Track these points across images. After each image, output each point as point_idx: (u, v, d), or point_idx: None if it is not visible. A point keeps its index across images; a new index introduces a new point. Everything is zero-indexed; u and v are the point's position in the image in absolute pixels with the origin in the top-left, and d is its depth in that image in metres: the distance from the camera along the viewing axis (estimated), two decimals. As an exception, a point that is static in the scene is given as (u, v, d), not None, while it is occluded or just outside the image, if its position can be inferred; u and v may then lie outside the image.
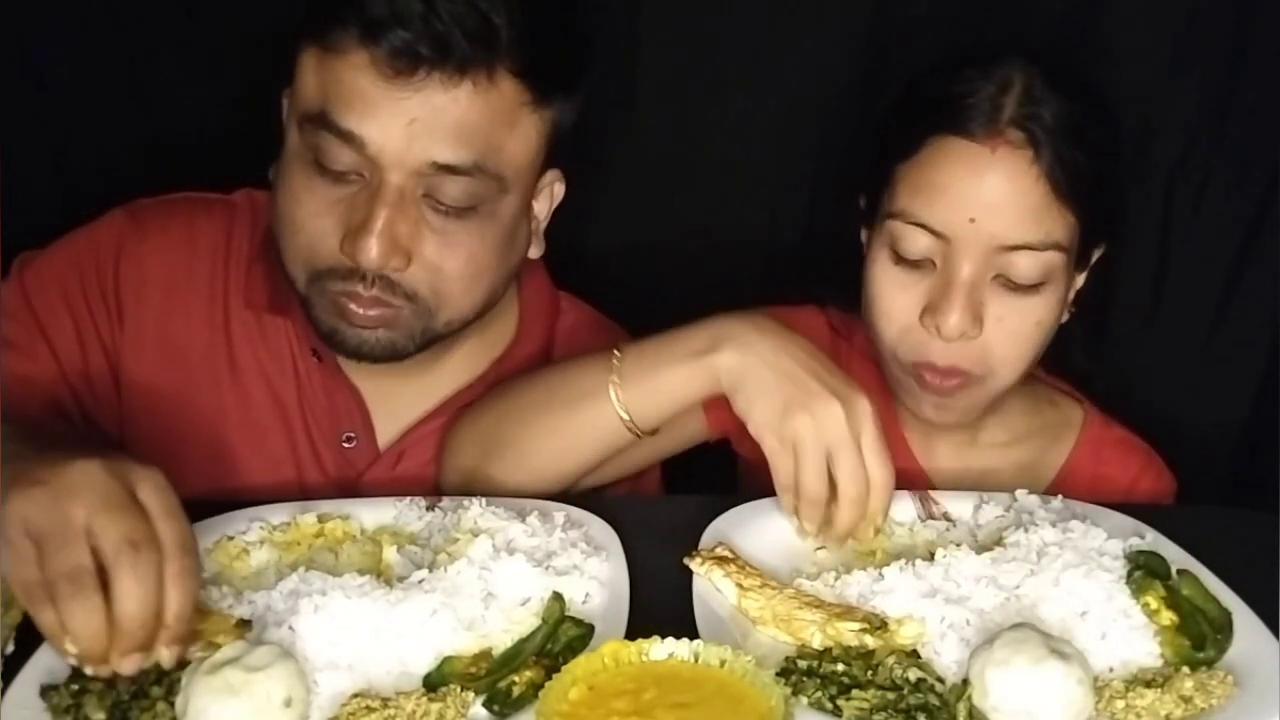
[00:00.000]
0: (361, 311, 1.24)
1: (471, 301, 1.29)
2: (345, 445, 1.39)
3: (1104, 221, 1.33)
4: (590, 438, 1.26)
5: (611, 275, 1.66)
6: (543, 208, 1.35)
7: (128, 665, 0.91)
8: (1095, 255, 1.36)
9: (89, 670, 0.92)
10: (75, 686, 0.92)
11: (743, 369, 1.19)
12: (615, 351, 1.25)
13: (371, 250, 1.19)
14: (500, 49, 1.20)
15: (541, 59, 1.23)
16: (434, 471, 1.35)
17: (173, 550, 0.93)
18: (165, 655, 0.93)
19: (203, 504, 1.16)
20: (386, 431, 1.40)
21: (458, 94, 1.19)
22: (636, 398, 1.23)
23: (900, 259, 1.30)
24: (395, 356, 1.28)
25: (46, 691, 0.91)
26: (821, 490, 1.15)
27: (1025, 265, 1.26)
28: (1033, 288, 1.28)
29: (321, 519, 1.18)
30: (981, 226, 1.25)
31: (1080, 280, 1.36)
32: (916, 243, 1.28)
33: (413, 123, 1.18)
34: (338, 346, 1.28)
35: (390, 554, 1.12)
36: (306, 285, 1.26)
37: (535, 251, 1.36)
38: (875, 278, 1.33)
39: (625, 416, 1.23)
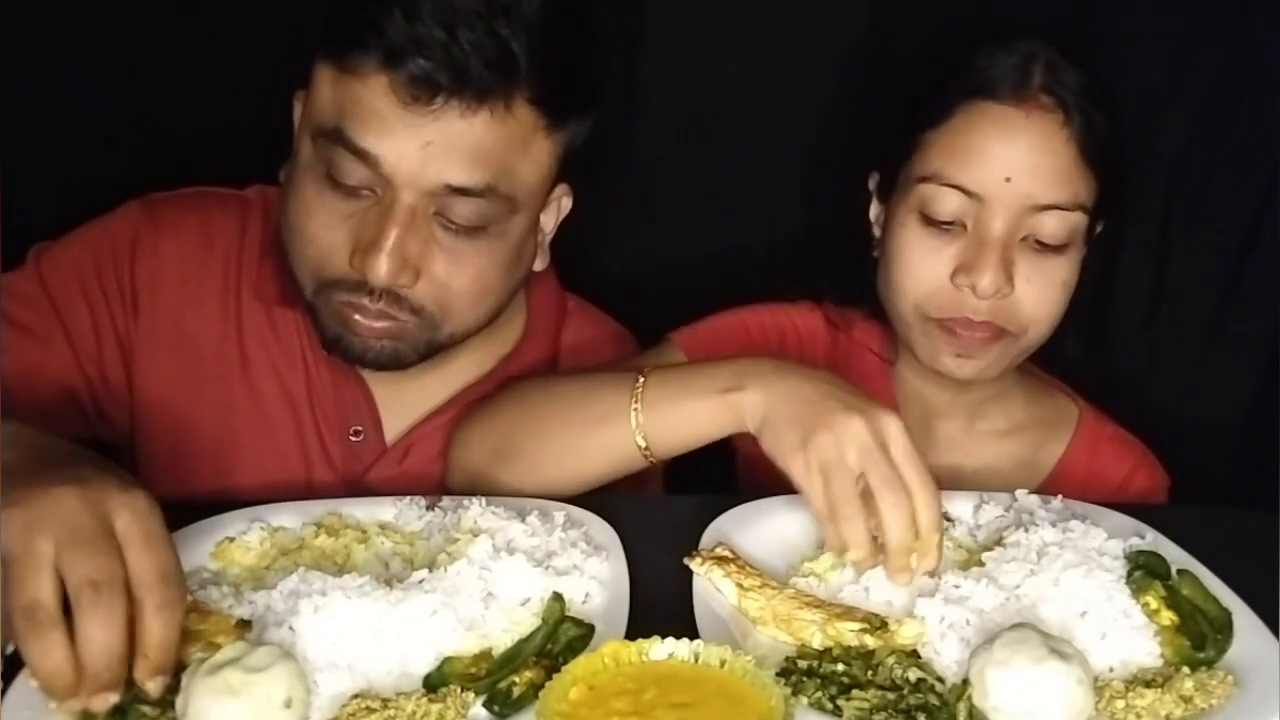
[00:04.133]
0: (366, 323, 1.25)
1: (476, 316, 1.30)
2: (352, 439, 1.39)
3: (1116, 189, 1.36)
4: (603, 459, 1.25)
5: (613, 279, 1.66)
6: (549, 221, 1.36)
7: (98, 703, 0.87)
8: (1096, 229, 1.38)
9: (54, 706, 0.88)
10: (74, 687, 0.91)
11: (766, 406, 1.16)
12: (639, 376, 1.23)
13: (381, 267, 1.20)
14: (519, 79, 1.19)
15: (559, 86, 1.22)
16: (441, 466, 1.36)
17: (152, 582, 0.89)
18: (150, 686, 0.89)
19: (204, 504, 1.17)
20: (394, 426, 1.40)
21: (474, 121, 1.18)
22: (656, 428, 1.22)
23: (930, 222, 1.33)
24: (398, 365, 1.29)
25: (46, 692, 0.91)
26: (854, 505, 1.06)
27: (1053, 225, 1.31)
28: (1058, 249, 1.32)
29: (324, 528, 1.17)
30: (1016, 186, 1.29)
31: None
32: (948, 204, 1.31)
33: (428, 145, 1.18)
34: (342, 353, 1.29)
35: (386, 550, 1.13)
36: (313, 294, 1.27)
37: (540, 264, 1.37)
38: (903, 241, 1.35)
39: (642, 444, 1.22)
